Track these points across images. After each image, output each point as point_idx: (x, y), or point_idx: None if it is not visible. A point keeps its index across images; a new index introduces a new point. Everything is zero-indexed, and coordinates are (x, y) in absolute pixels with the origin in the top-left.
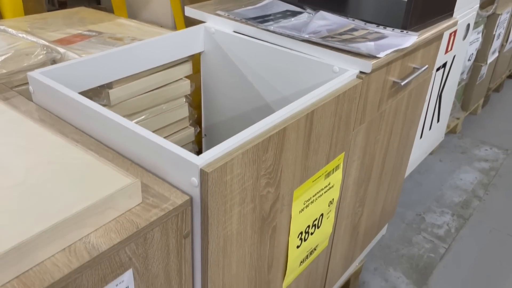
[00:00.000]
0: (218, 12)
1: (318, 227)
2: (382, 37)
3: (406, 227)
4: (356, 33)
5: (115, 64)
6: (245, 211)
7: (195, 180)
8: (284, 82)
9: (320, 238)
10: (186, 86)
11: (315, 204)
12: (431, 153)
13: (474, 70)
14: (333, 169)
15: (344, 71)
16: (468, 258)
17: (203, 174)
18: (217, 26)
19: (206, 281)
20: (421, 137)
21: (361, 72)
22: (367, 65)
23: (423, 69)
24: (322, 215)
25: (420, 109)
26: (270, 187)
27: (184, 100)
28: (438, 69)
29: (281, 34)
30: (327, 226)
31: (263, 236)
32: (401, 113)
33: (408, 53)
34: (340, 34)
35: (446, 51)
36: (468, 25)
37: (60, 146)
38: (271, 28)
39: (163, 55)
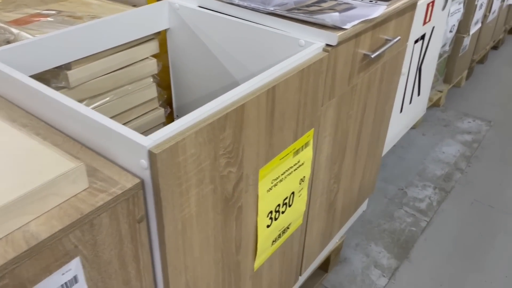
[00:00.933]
0: None
1: (289, 206)
2: (350, 7)
3: (388, 202)
4: (324, 4)
5: (72, 44)
6: (204, 192)
7: (144, 162)
8: (252, 58)
9: (293, 216)
10: (152, 66)
11: (284, 182)
12: (413, 127)
13: (456, 41)
14: (302, 146)
15: (310, 44)
16: (449, 231)
17: (151, 156)
18: (181, 1)
19: (166, 265)
20: (401, 111)
21: (327, 45)
22: (332, 37)
23: (395, 40)
24: (293, 193)
25: (396, 82)
26: (231, 167)
27: (152, 80)
28: (416, 41)
29: (245, 7)
30: (300, 204)
31: (228, 217)
32: (375, 87)
33: (378, 24)
34: (308, 6)
35: (424, 22)
36: None
37: (2, 131)
38: (236, 1)
39: (125, 33)
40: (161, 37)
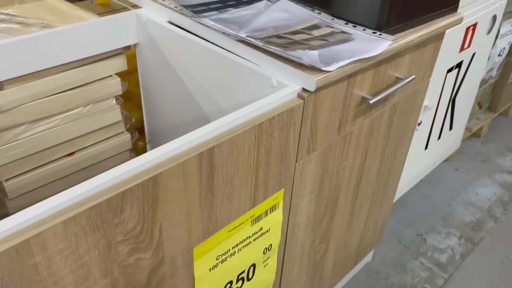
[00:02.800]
0: None
1: (249, 279)
2: (346, 40)
3: (402, 249)
4: (315, 32)
5: (7, 59)
6: None
7: None
8: (222, 92)
9: None
10: (115, 86)
11: (238, 256)
12: (446, 160)
13: (506, 66)
14: (266, 211)
15: (283, 87)
16: None
17: None
18: (150, 13)
19: None
20: (426, 148)
21: (304, 89)
22: (309, 81)
23: (407, 80)
24: (254, 265)
25: (413, 123)
26: (141, 253)
27: (114, 102)
28: (450, 70)
29: (215, 29)
30: (266, 275)
31: None
32: (381, 132)
33: (384, 60)
34: (293, 33)
35: (462, 49)
36: (495, 16)
37: None
38: (205, 21)
39: (80, 48)
40: (131, 52)
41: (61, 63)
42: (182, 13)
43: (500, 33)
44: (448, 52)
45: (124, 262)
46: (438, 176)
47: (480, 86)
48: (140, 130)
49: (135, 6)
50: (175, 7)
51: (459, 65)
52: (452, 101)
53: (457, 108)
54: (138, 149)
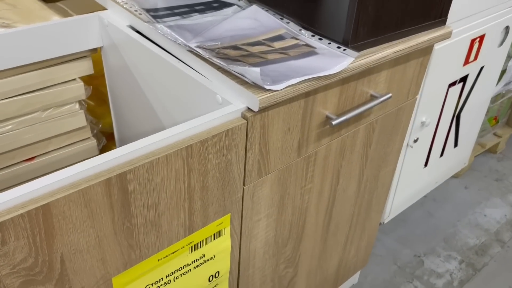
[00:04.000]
0: None
1: None
2: (308, 54)
3: (396, 271)
4: (277, 44)
5: None
6: None
7: None
8: (175, 103)
9: None
10: (77, 90)
11: (175, 284)
12: (456, 176)
13: None
14: (208, 238)
15: (227, 104)
16: None
17: None
18: (113, 16)
19: None
20: (426, 165)
21: (249, 108)
22: (252, 100)
23: (381, 99)
24: None
25: (398, 143)
26: (40, 285)
27: (78, 106)
28: (452, 85)
29: (168, 37)
30: None
31: None
32: (356, 153)
33: (354, 77)
34: (253, 44)
35: (467, 62)
36: (507, 27)
37: None
38: (160, 27)
39: (39, 50)
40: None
41: (18, 65)
42: (141, 18)
43: None
44: (449, 66)
45: None
46: (445, 194)
47: (497, 99)
48: (112, 135)
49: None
50: (135, 10)
51: (463, 79)
52: (457, 117)
53: (463, 124)
54: None
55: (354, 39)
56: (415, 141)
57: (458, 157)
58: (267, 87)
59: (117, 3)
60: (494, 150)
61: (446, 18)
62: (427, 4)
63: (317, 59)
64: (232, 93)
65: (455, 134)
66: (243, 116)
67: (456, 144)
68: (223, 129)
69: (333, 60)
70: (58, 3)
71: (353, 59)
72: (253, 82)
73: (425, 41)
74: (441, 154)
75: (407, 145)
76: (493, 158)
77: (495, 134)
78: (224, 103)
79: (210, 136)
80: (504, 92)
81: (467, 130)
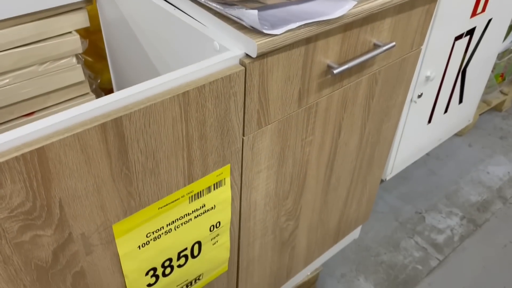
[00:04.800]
0: None
1: (194, 257)
2: None
3: (397, 227)
4: None
5: None
6: None
7: None
8: (172, 54)
9: (206, 266)
10: (74, 43)
11: (176, 233)
12: (459, 135)
13: None
14: (208, 188)
15: (224, 51)
16: (464, 278)
17: None
18: None
19: None
20: (429, 121)
21: (247, 55)
22: (250, 46)
23: (384, 48)
24: (199, 243)
25: (401, 96)
26: (40, 230)
27: (74, 60)
28: (458, 38)
29: None
30: (217, 252)
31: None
32: (358, 105)
33: (356, 23)
34: None
35: (474, 14)
36: None
37: None
38: None
39: (27, 2)
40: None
41: (11, 16)
42: None
43: None
44: (456, 18)
45: (16, 240)
46: (448, 152)
47: (504, 56)
48: (112, 91)
49: None
50: None
51: (470, 32)
52: (463, 72)
53: (468, 80)
54: None
55: None
56: (419, 96)
57: (463, 114)
58: (265, 31)
59: None
60: (500, 108)
61: None
62: None
63: (318, 4)
64: (229, 39)
65: (460, 90)
66: (241, 63)
67: (461, 101)
68: (220, 76)
69: (334, 4)
70: None
71: (355, 2)
72: (251, 26)
73: None
74: (445, 111)
75: (411, 100)
76: (498, 116)
77: (501, 91)
78: (221, 50)
79: (207, 83)
80: (511, 48)
81: (472, 86)
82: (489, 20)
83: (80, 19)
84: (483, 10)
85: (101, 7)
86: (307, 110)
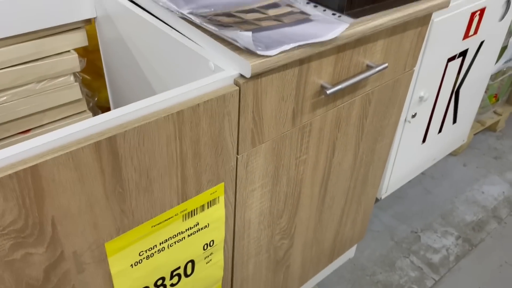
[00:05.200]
0: None
1: (187, 276)
2: (303, 21)
3: (393, 246)
4: (272, 12)
5: None
6: None
7: None
8: (171, 75)
9: (198, 285)
10: (72, 62)
11: (169, 251)
12: (454, 154)
13: None
14: (202, 206)
15: (219, 70)
16: None
17: None
18: None
19: None
20: (424, 141)
21: (242, 75)
22: (245, 66)
23: (377, 69)
24: (192, 261)
25: (395, 116)
26: (31, 248)
27: (72, 78)
28: (451, 59)
29: (160, 4)
30: (211, 271)
31: None
32: (351, 125)
33: (350, 45)
34: (247, 11)
35: (466, 36)
36: (509, 1)
37: None
38: None
39: (31, 20)
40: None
41: (11, 35)
42: None
43: None
44: (448, 39)
45: (7, 258)
46: (443, 171)
47: (497, 77)
48: (109, 109)
49: None
50: None
51: (463, 54)
52: (456, 92)
53: (462, 100)
54: None
55: (350, 6)
56: (413, 116)
57: (457, 133)
58: (259, 52)
59: None
60: (494, 128)
61: None
62: None
63: (311, 26)
64: (225, 59)
65: (454, 110)
66: (236, 83)
67: (455, 121)
68: (214, 96)
69: (327, 26)
70: None
71: (348, 25)
72: (245, 48)
73: (423, 9)
74: (440, 130)
75: (405, 120)
76: (493, 136)
77: (495, 112)
78: (216, 70)
79: (202, 102)
80: (505, 69)
81: (466, 107)
82: (482, 42)
83: (79, 39)
84: (475, 32)
85: (99, 26)
86: (301, 129)
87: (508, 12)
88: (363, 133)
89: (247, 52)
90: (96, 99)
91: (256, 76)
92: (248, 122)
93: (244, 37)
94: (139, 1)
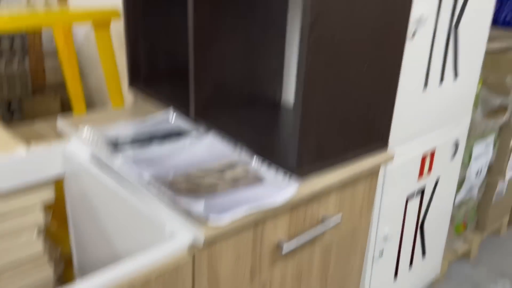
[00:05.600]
0: (82, 127)
1: None
2: (257, 183)
3: None
4: (229, 174)
5: None
6: None
7: None
8: (130, 235)
9: None
10: (36, 218)
11: None
12: (431, 287)
13: (488, 187)
14: None
15: (174, 237)
16: None
17: None
18: (74, 146)
19: None
20: (395, 277)
21: (196, 242)
22: (198, 232)
23: (333, 219)
24: None
25: (358, 262)
26: None
27: (35, 235)
28: (410, 197)
29: (121, 173)
30: None
31: None
32: (314, 276)
33: (303, 202)
34: (204, 175)
35: (421, 175)
36: (457, 141)
37: None
38: (115, 161)
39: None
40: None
41: None
42: (101, 149)
43: (474, 154)
44: (404, 180)
45: None
46: None
47: (461, 207)
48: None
49: None
50: (96, 142)
51: (421, 191)
52: (421, 227)
53: (428, 233)
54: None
55: (300, 167)
56: (381, 253)
57: (429, 266)
58: (211, 220)
59: (80, 133)
60: (468, 255)
61: (387, 143)
62: (367, 132)
63: (263, 189)
64: (180, 226)
65: (422, 244)
66: (189, 251)
67: (423, 254)
68: (168, 264)
69: (278, 190)
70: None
71: (296, 187)
72: (198, 216)
73: (369, 168)
74: (410, 265)
75: (373, 257)
76: (468, 265)
77: (465, 240)
78: (172, 236)
79: (154, 278)
80: (467, 199)
81: (433, 239)
82: (438, 179)
83: (46, 197)
84: (429, 170)
85: (67, 182)
86: (261, 286)
87: (458, 151)
88: (326, 282)
89: (201, 219)
90: (59, 250)
91: (210, 242)
92: (202, 286)
93: (197, 205)
94: (101, 162)
